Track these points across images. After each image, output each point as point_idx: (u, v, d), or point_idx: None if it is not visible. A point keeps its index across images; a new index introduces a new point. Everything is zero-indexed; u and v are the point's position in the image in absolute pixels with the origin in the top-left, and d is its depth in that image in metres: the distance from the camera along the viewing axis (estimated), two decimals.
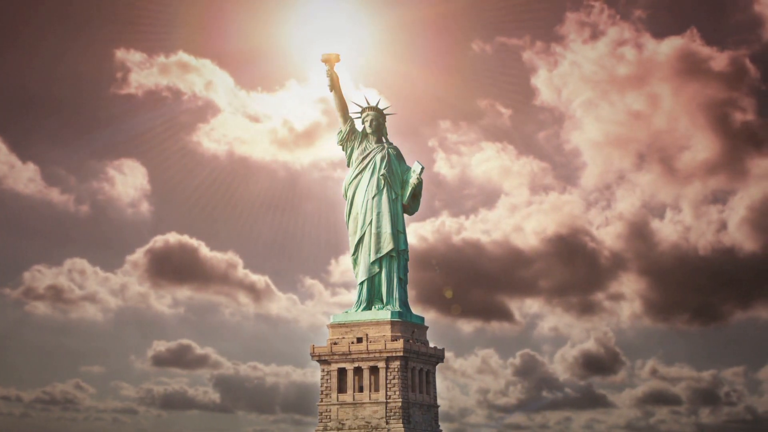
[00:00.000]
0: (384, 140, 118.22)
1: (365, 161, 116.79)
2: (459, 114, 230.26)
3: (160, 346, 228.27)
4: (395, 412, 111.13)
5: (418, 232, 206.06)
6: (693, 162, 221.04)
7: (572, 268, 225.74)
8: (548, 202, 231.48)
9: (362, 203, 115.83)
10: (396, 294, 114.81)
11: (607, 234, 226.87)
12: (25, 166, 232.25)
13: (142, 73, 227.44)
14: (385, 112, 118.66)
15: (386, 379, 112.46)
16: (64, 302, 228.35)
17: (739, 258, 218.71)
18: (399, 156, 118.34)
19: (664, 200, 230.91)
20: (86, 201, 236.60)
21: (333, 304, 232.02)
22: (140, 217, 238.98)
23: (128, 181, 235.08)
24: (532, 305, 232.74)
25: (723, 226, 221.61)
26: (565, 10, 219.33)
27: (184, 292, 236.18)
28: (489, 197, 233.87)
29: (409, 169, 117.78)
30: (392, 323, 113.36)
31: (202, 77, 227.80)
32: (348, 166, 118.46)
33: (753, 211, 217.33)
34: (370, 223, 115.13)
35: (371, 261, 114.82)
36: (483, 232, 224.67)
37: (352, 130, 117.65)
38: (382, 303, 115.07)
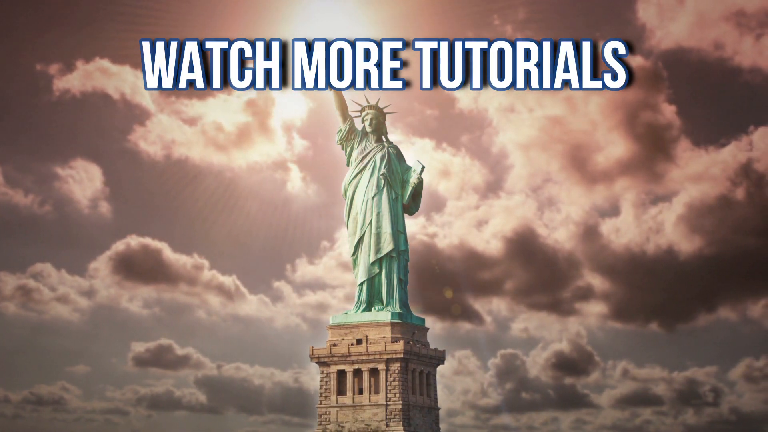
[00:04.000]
0: (384, 139, 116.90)
1: (365, 161, 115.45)
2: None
3: (139, 346, 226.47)
4: (395, 415, 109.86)
5: None
6: (615, 164, 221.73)
7: (533, 270, 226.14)
8: (498, 204, 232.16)
9: (362, 203, 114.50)
10: (396, 295, 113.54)
11: (562, 236, 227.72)
12: None
13: (64, 79, 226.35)
14: (385, 111, 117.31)
15: (386, 381, 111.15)
16: (35, 302, 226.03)
17: (694, 260, 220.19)
18: (399, 155, 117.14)
19: (604, 202, 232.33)
20: (47, 203, 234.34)
21: (304, 305, 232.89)
22: (101, 219, 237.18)
23: (85, 184, 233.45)
24: (499, 306, 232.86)
25: (662, 227, 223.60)
26: (466, 28, 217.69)
27: (153, 294, 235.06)
28: (436, 199, 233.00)
29: (409, 168, 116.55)
30: (392, 324, 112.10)
31: (125, 82, 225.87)
32: (347, 165, 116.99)
33: (692, 211, 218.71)
34: (370, 223, 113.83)
35: (371, 262, 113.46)
36: (436, 235, 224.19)
37: (352, 129, 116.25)
38: (382, 304, 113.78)
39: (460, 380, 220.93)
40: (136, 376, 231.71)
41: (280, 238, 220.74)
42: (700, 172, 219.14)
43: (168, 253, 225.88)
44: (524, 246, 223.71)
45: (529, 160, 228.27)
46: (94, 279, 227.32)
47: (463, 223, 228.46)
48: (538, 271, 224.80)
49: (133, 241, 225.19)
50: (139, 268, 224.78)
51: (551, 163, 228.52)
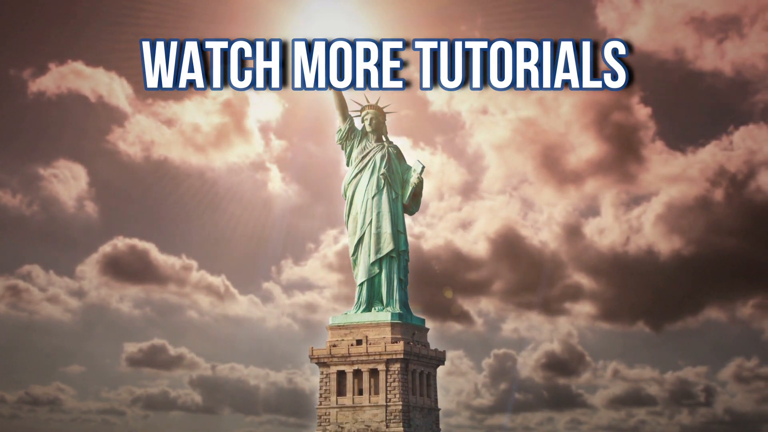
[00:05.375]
0: (384, 139, 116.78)
1: (365, 160, 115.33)
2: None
3: (132, 347, 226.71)
4: (395, 416, 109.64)
5: None
6: (591, 165, 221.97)
7: (520, 270, 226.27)
8: (480, 205, 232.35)
9: (362, 203, 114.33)
10: (396, 295, 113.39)
11: (546, 237, 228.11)
12: None
13: (38, 82, 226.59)
14: (385, 110, 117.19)
15: (386, 381, 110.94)
16: (25, 303, 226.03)
17: (674, 260, 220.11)
18: (399, 155, 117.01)
19: (584, 203, 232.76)
20: (35, 204, 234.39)
21: (293, 305, 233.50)
22: (88, 219, 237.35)
23: (70, 184, 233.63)
24: (488, 307, 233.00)
25: (642, 228, 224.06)
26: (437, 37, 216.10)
27: (142, 295, 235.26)
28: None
29: (409, 168, 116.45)
30: (392, 325, 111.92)
31: (101, 84, 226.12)
32: (347, 165, 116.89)
33: (671, 211, 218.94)
34: (370, 223, 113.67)
35: (371, 262, 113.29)
36: (423, 235, 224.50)
37: (352, 128, 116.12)
38: (382, 304, 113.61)
39: (453, 381, 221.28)
40: (131, 377, 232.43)
41: (267, 239, 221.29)
42: (678, 174, 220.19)
43: (155, 253, 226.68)
44: (510, 247, 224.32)
45: (504, 161, 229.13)
46: (83, 280, 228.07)
47: (446, 224, 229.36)
48: (524, 272, 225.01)
49: (120, 242, 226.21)
50: (127, 269, 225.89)
51: (527, 164, 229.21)
